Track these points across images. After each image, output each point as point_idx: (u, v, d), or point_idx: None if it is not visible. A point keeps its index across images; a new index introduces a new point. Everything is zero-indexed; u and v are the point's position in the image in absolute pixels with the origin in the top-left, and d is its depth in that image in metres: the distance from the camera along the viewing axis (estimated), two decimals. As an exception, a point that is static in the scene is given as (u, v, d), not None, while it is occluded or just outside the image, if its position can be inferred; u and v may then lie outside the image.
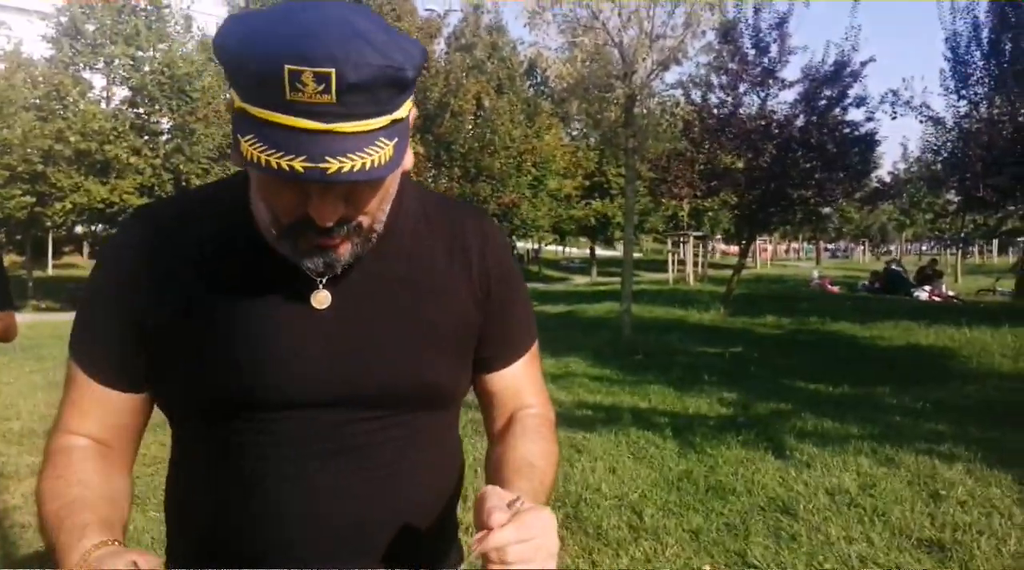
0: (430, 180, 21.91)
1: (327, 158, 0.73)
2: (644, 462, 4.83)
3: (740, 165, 14.84)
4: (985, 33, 17.42)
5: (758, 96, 14.94)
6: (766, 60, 14.71)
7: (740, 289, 16.19)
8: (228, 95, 1.00)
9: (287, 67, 0.71)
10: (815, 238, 48.58)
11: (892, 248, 56.33)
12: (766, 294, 19.03)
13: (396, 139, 0.79)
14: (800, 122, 14.38)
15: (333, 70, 0.71)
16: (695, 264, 27.71)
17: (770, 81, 14.84)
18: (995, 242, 45.51)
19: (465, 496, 1.28)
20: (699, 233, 30.05)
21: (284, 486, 0.92)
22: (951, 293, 18.81)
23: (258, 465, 0.93)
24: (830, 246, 65.28)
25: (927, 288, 18.89)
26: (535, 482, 0.96)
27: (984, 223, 28.34)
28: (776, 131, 14.43)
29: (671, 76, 23.97)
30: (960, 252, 31.88)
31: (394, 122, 0.78)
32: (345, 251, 0.87)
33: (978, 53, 17.89)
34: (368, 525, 0.95)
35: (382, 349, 0.95)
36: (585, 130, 24.68)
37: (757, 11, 14.55)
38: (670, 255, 28.36)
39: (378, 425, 0.95)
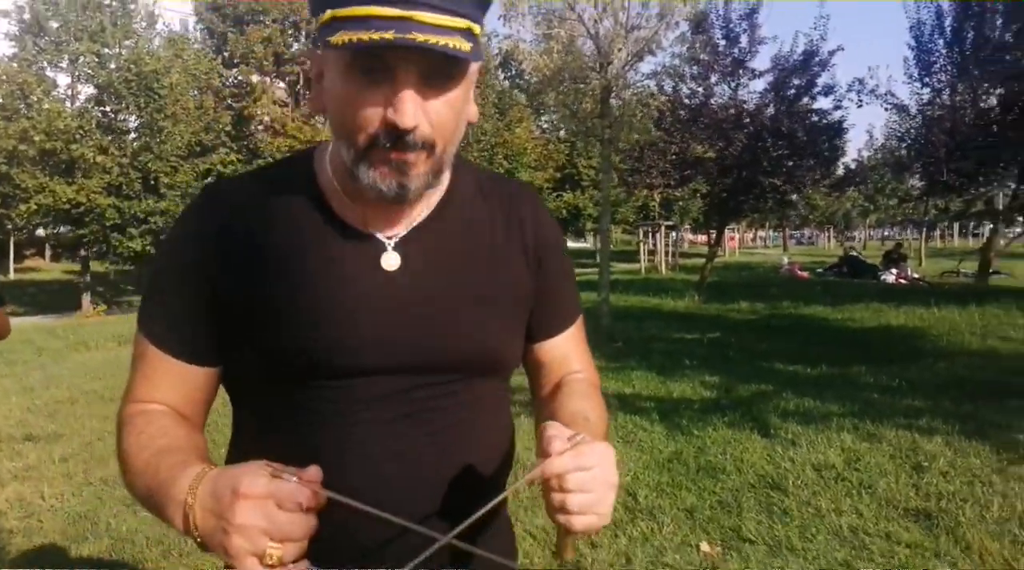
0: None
1: (414, 32, 0.79)
2: (634, 445, 4.92)
3: (712, 154, 15.01)
4: (948, 22, 17.76)
5: (729, 86, 15.14)
6: (736, 50, 14.90)
7: (712, 277, 16.39)
8: (311, 36, 1.03)
9: None
10: (781, 226, 49.15)
11: (856, 234, 57.27)
12: (737, 281, 19.31)
13: (472, 46, 0.84)
14: (770, 111, 14.59)
15: None
16: (667, 253, 27.96)
17: (740, 71, 15.04)
18: (956, 226, 46.48)
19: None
20: (670, 223, 30.31)
21: (355, 450, 0.94)
22: (916, 275, 19.24)
23: (330, 430, 0.95)
24: (795, 233, 66.09)
25: (894, 271, 19.30)
26: (591, 431, 0.98)
27: (946, 208, 28.98)
28: (747, 120, 14.64)
29: (646, 67, 24.08)
30: (923, 236, 32.57)
31: (471, 31, 0.84)
32: (416, 173, 0.89)
33: (941, 41, 18.23)
34: (431, 488, 0.97)
35: (448, 315, 0.98)
36: (559, 122, 24.73)
37: (727, 2, 14.74)
38: (641, 245, 28.57)
39: (443, 390, 0.98)
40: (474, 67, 0.92)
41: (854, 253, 24.13)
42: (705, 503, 3.91)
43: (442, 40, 0.80)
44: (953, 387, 6.40)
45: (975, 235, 48.67)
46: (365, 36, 0.79)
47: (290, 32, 27.90)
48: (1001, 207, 17.22)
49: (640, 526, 3.63)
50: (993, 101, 16.00)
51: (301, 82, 29.92)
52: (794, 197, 16.94)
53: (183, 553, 3.48)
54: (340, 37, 0.81)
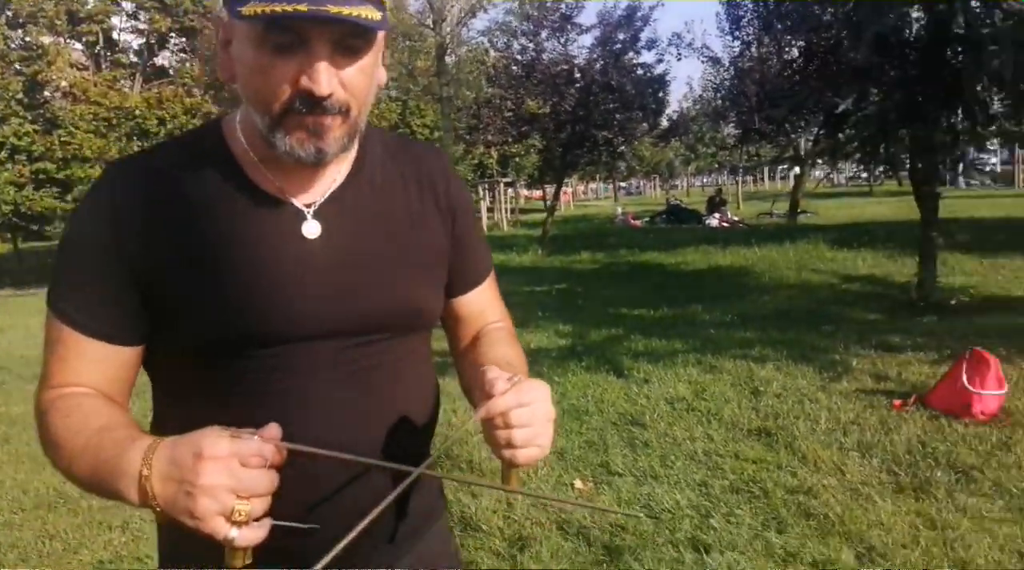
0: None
1: (327, 3, 0.80)
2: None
3: (546, 110, 15.35)
4: (753, -23, 18.92)
5: (559, 41, 15.47)
6: (563, 6, 15.23)
7: (553, 230, 16.90)
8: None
9: None
10: (611, 177, 51.09)
11: (678, 182, 60.67)
12: (576, 233, 19.99)
13: (382, 14, 0.85)
14: (599, 65, 15.08)
15: None
16: (507, 210, 28.40)
17: (568, 26, 15.41)
18: (767, 170, 50.35)
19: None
20: (508, 179, 30.75)
21: (290, 416, 0.93)
22: (736, 218, 20.76)
23: (265, 399, 0.95)
24: (623, 184, 68.86)
25: (716, 215, 20.71)
26: (518, 373, 1.03)
27: (757, 154, 31.31)
28: (578, 75, 15.07)
29: (480, 23, 24.05)
30: (739, 181, 35.09)
31: (381, 3, 0.86)
32: (332, 138, 0.90)
33: (748, -3, 19.46)
34: (370, 445, 0.99)
35: (371, 277, 1.00)
36: (394, 81, 24.24)
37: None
38: (481, 202, 28.84)
39: (372, 350, 1.01)
40: (383, 34, 0.93)
41: (676, 201, 25.65)
42: (574, 444, 4.11)
43: (355, 11, 0.81)
44: (778, 318, 7.06)
45: (783, 178, 53.00)
46: (279, 8, 0.79)
47: (85, -13, 25.37)
48: (796, 152, 18.83)
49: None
50: (796, 52, 17.38)
51: (101, 42, 27.40)
52: (624, 149, 17.69)
53: (42, 554, 3.26)
54: (251, 8, 0.80)
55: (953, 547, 2.80)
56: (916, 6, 7.15)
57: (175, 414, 1.01)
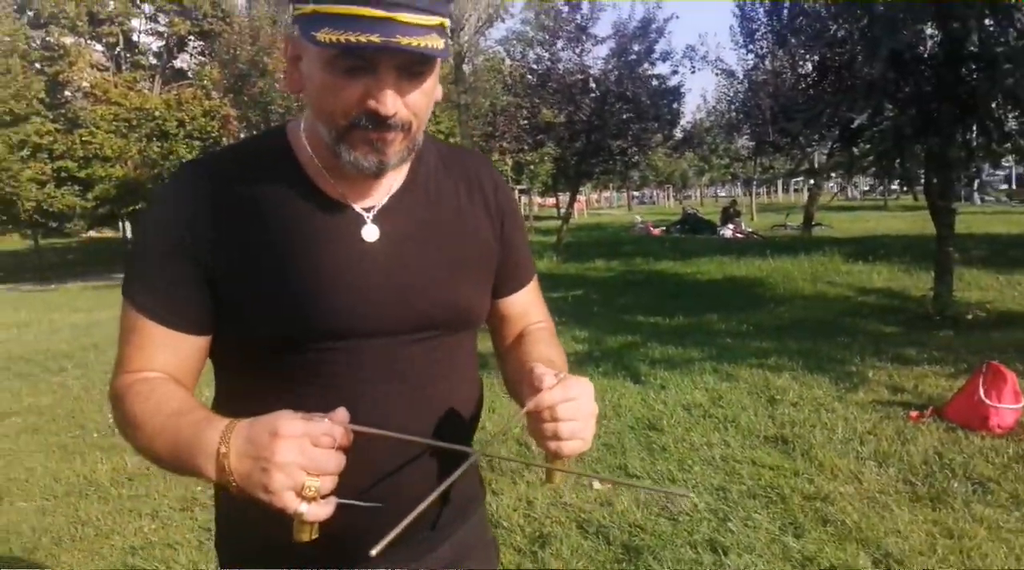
0: (249, 143, 20.81)
1: (397, 35, 0.87)
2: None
3: (561, 119, 15.44)
4: (768, -9, 18.99)
5: (574, 51, 15.58)
6: (579, 16, 15.32)
7: (567, 238, 16.97)
8: (287, 21, 1.06)
9: None
10: (624, 186, 51.11)
11: (691, 193, 60.64)
12: (590, 241, 20.06)
13: (444, 41, 0.92)
14: (614, 76, 15.17)
15: None
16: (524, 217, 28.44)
17: (584, 36, 15.50)
18: (780, 182, 50.28)
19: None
20: (522, 187, 30.87)
21: (351, 407, 0.97)
22: (750, 230, 20.76)
23: (323, 392, 1.01)
24: (636, 193, 68.85)
25: (730, 226, 20.72)
26: (560, 370, 1.09)
27: (770, 167, 31.28)
28: (593, 85, 15.16)
29: (497, 33, 24.22)
30: (752, 193, 35.06)
31: (442, 26, 0.93)
32: (393, 152, 0.97)
33: (762, 10, 19.52)
34: (423, 436, 1.04)
35: (425, 279, 1.06)
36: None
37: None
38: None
39: (423, 348, 1.07)
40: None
41: (692, 211, 25.65)
42: (592, 446, 4.13)
43: (422, 42, 0.88)
44: (793, 328, 7.09)
45: (797, 191, 52.91)
46: (352, 38, 0.86)
47: (106, -12, 25.68)
48: (811, 165, 18.82)
49: (537, 471, 3.83)
50: (809, 67, 17.43)
51: (121, 43, 27.71)
52: (638, 158, 17.77)
53: (75, 538, 3.35)
54: (326, 35, 0.87)
55: (970, 556, 2.84)
56: (931, 23, 7.22)
57: (236, 401, 1.06)
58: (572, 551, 3.03)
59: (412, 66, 0.93)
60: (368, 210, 1.05)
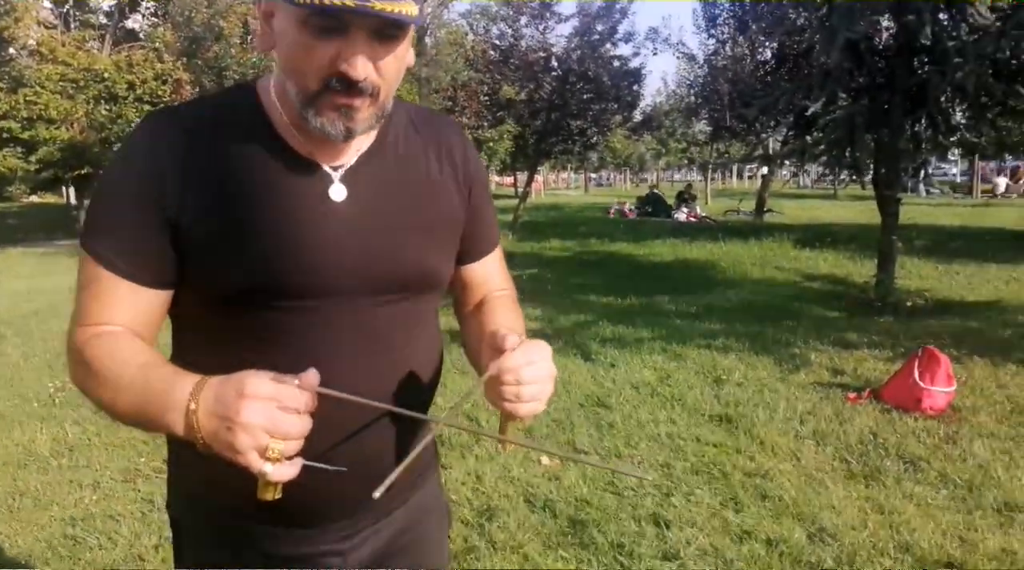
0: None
1: (372, 0, 0.86)
2: (469, 375, 5.14)
3: (523, 96, 15.39)
4: (731, -24, 19.12)
5: (537, 29, 15.51)
6: (542, -6, 15.26)
7: (524, 217, 16.99)
8: None
9: None
10: (582, 168, 51.30)
11: (648, 176, 61.13)
12: (547, 221, 20.12)
13: (418, 8, 0.92)
14: (576, 55, 15.15)
15: None
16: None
17: (547, 14, 15.44)
18: (734, 168, 50.92)
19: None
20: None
21: (307, 366, 0.97)
22: (704, 214, 21.04)
23: (283, 349, 1.01)
24: (594, 175, 69.16)
25: (685, 210, 20.97)
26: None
27: (726, 152, 31.66)
28: (555, 64, 15.13)
29: (460, 6, 23.93)
30: (708, 177, 35.47)
31: None
32: (362, 117, 0.97)
33: (724, -5, 19.66)
34: (384, 397, 1.06)
35: (391, 241, 1.06)
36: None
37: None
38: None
39: (389, 310, 1.07)
40: None
41: (657, 191, 25.72)
42: (541, 422, 4.22)
43: (396, 7, 0.87)
44: (741, 311, 7.25)
45: (751, 177, 53.68)
46: (327, 0, 0.85)
47: (55, -56, 24.64)
48: (766, 152, 19.14)
49: (485, 446, 3.87)
50: (768, 54, 17.65)
51: (71, 1, 26.69)
52: (597, 139, 17.83)
53: (12, 509, 3.28)
54: None
55: (899, 531, 2.96)
56: (887, 15, 7.37)
57: (195, 359, 1.03)
58: (519, 524, 3.07)
59: (385, 30, 0.92)
60: (336, 169, 1.04)
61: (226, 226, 0.99)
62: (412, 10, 0.90)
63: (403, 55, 0.98)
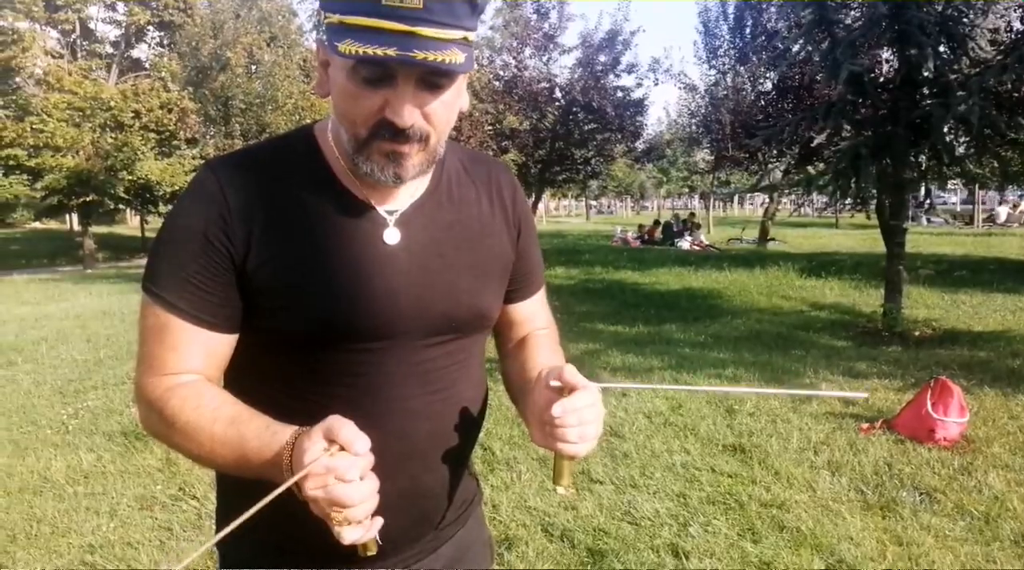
0: (208, 137, 20.48)
1: (414, 50, 0.89)
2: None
3: (526, 126, 15.55)
4: (731, 9, 19.47)
5: (541, 60, 15.73)
6: (547, 25, 15.47)
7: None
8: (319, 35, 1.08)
9: None
10: (583, 195, 51.60)
11: (648, 204, 61.46)
12: (550, 248, 20.17)
13: (465, 55, 0.94)
14: (580, 86, 15.35)
15: None
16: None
17: (551, 45, 15.66)
18: (735, 196, 51.22)
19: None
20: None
21: (368, 408, 1.03)
22: (708, 242, 21.11)
23: (339, 390, 1.04)
24: (594, 203, 69.55)
25: (688, 238, 21.04)
26: None
27: (727, 181, 31.86)
28: (558, 94, 15.31)
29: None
30: (709, 206, 35.63)
31: (465, 40, 0.95)
32: (411, 164, 0.99)
33: (725, 27, 20.00)
34: (436, 437, 1.10)
35: (444, 283, 1.09)
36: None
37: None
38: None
39: (442, 350, 1.10)
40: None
41: (670, 220, 25.54)
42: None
43: (440, 56, 0.90)
44: (750, 340, 7.26)
45: (751, 205, 53.92)
46: (370, 50, 0.88)
47: (63, -25, 24.97)
48: (771, 182, 19.30)
49: (500, 475, 3.87)
50: (769, 85, 17.90)
51: (78, 30, 27.02)
52: (601, 168, 17.99)
53: (30, 536, 3.28)
54: (347, 47, 0.89)
55: (918, 562, 2.96)
56: (889, 49, 7.50)
57: (249, 399, 1.05)
58: (537, 554, 3.07)
59: (431, 78, 0.94)
60: (391, 213, 1.06)
61: (287, 271, 1.01)
62: (458, 58, 0.92)
63: (452, 101, 1.00)
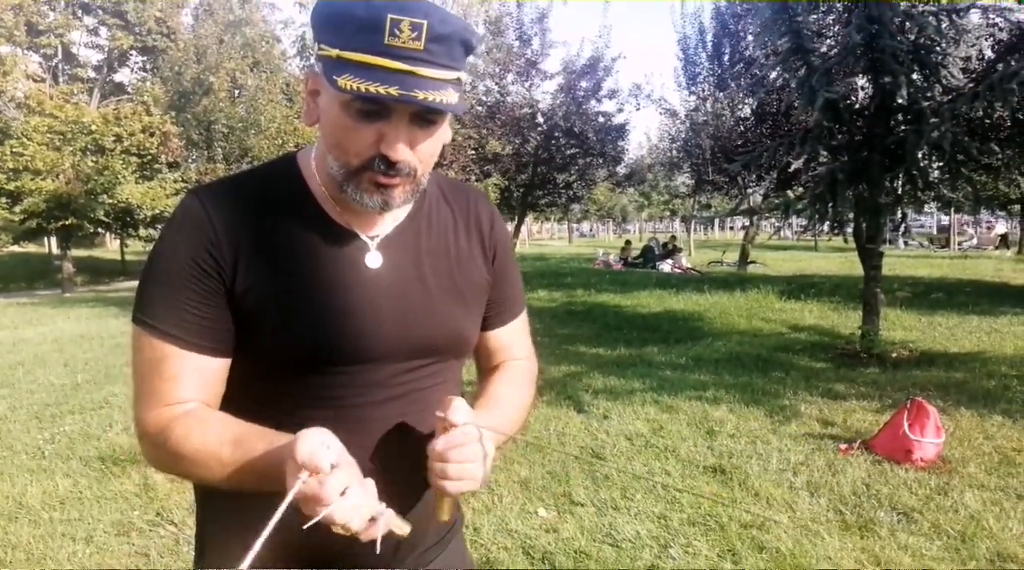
0: (191, 161, 20.42)
1: (415, 89, 0.92)
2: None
3: (509, 150, 15.66)
4: (709, 37, 19.80)
5: (523, 85, 15.89)
6: (530, 52, 15.66)
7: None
8: (311, 60, 1.11)
9: (390, 16, 0.91)
10: (565, 218, 51.87)
11: (630, 227, 61.89)
12: (533, 272, 20.23)
13: (458, 95, 0.99)
14: (562, 112, 15.51)
15: (425, 21, 0.92)
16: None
17: (533, 71, 15.83)
18: (716, 220, 51.70)
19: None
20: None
21: (351, 430, 1.03)
22: (688, 265, 21.26)
23: (329, 413, 1.05)
24: (577, 226, 69.95)
25: (669, 261, 21.18)
26: (495, 419, 1.14)
27: (708, 205, 32.17)
28: (541, 120, 15.46)
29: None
30: (690, 229, 35.99)
31: (458, 80, 0.99)
32: (398, 194, 1.03)
33: (704, 54, 20.31)
34: (416, 461, 1.09)
35: (425, 307, 1.12)
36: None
37: (520, 4, 15.44)
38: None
39: (422, 373, 1.13)
40: None
41: (652, 243, 25.62)
42: (536, 474, 4.22)
43: (437, 96, 0.94)
44: (730, 362, 7.31)
45: (731, 229, 54.40)
46: (372, 88, 0.91)
47: (43, -1, 24.98)
48: (750, 206, 19.52)
49: (482, 498, 3.87)
50: (748, 111, 18.18)
51: (60, 55, 26.98)
52: (583, 193, 18.13)
53: (4, 563, 3.23)
54: (348, 82, 0.92)
55: (895, 581, 2.99)
56: (864, 76, 7.65)
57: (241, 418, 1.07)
58: (518, 577, 3.06)
59: (425, 115, 0.98)
60: (372, 238, 1.09)
61: (273, 297, 1.03)
62: (452, 98, 0.96)
63: (441, 137, 1.04)
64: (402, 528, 0.92)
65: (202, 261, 1.02)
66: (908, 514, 3.61)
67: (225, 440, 0.97)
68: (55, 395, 6.49)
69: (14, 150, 19.29)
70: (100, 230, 24.48)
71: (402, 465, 1.09)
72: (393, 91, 0.91)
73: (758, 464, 4.31)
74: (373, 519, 0.89)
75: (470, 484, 0.99)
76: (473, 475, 0.99)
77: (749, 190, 17.53)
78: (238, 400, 1.09)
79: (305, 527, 0.84)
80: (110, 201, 20.27)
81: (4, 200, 19.81)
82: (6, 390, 6.74)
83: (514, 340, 1.32)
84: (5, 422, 5.60)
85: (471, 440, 0.98)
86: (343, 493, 0.85)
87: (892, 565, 3.11)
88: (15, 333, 10.91)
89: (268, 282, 1.03)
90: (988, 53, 8.10)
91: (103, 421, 5.47)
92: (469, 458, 0.98)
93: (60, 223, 20.09)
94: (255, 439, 0.96)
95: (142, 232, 22.97)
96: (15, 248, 33.64)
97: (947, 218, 34.11)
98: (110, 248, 35.23)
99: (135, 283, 1.08)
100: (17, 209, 19.63)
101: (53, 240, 25.78)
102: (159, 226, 20.97)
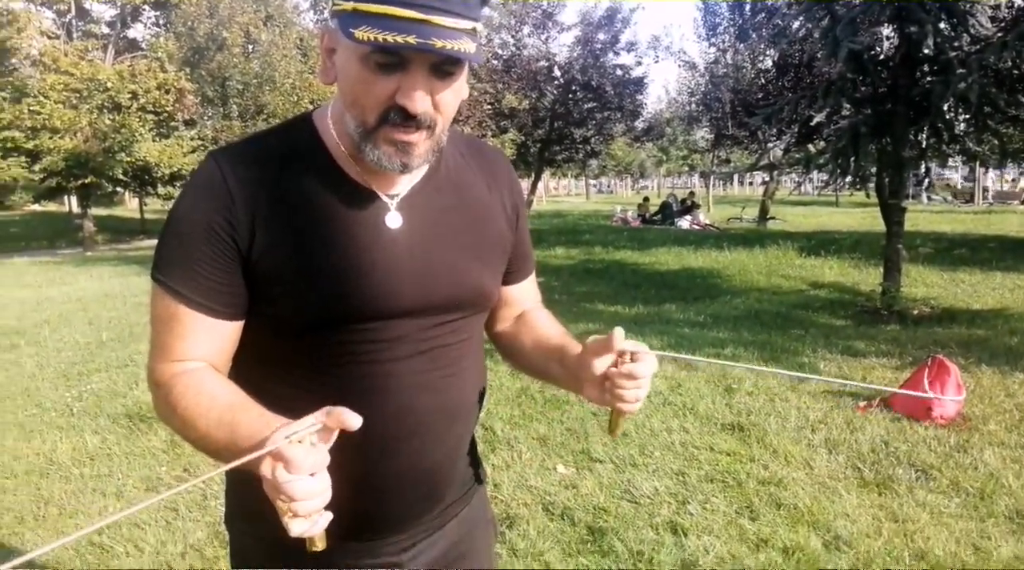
0: (206, 119, 20.39)
1: (432, 38, 0.91)
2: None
3: (526, 105, 15.48)
4: (731, -15, 19.30)
5: (540, 38, 15.63)
6: (545, 3, 15.36)
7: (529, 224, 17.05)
8: (326, 18, 1.09)
9: None
10: (583, 174, 51.46)
11: (648, 183, 61.34)
12: (550, 229, 20.16)
13: (475, 45, 0.97)
14: (579, 65, 15.27)
15: None
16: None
17: (549, 23, 15.55)
18: (736, 176, 51.07)
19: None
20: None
21: (378, 386, 1.07)
22: (707, 222, 21.09)
23: (356, 370, 1.06)
24: (594, 182, 69.41)
25: (688, 218, 21.01)
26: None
27: (727, 159, 31.76)
28: (558, 73, 15.23)
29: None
30: (709, 185, 35.59)
31: (474, 31, 0.97)
32: (418, 153, 1.02)
33: (724, 4, 19.85)
34: (443, 414, 1.13)
35: (448, 263, 1.12)
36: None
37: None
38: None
39: (446, 329, 1.13)
40: None
41: (671, 199, 25.38)
42: (555, 431, 4.27)
43: (455, 45, 0.92)
44: (749, 319, 7.29)
45: (751, 184, 53.79)
46: (390, 38, 0.90)
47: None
48: (771, 160, 19.26)
49: (502, 455, 3.92)
50: (769, 63, 17.81)
51: (73, 11, 26.82)
52: (601, 147, 17.95)
53: (38, 518, 3.33)
54: (364, 33, 0.90)
55: (913, 539, 3.00)
56: (889, 26, 7.46)
57: (258, 382, 1.08)
58: (538, 532, 3.11)
59: (443, 66, 0.96)
60: (392, 198, 1.09)
61: (292, 258, 1.03)
62: (470, 47, 0.94)
63: (459, 89, 1.02)
64: (322, 540, 0.88)
65: (217, 225, 1.02)
66: (927, 471, 3.62)
67: (216, 404, 0.98)
68: (81, 353, 6.60)
69: (31, 108, 19.28)
70: (119, 189, 24.59)
71: (429, 420, 1.10)
72: (412, 39, 0.89)
73: (776, 422, 4.33)
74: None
75: (640, 405, 1.09)
76: (643, 399, 1.08)
77: (769, 144, 17.28)
78: (257, 364, 1.10)
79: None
80: (128, 159, 20.29)
81: (23, 159, 19.89)
82: (33, 348, 6.86)
83: (530, 293, 1.36)
84: (34, 380, 5.72)
85: (655, 369, 1.07)
86: (314, 474, 0.83)
87: (910, 522, 3.13)
88: (39, 292, 11.07)
89: (286, 244, 1.03)
90: (1018, 1, 7.86)
91: (129, 379, 5.57)
92: (646, 384, 1.06)
93: (79, 182, 20.17)
94: (245, 409, 0.96)
95: (160, 190, 23.00)
96: (36, 207, 33.97)
97: (969, 171, 33.50)
98: (129, 206, 35.42)
99: (155, 241, 1.09)
100: (36, 168, 19.73)
101: (73, 199, 25.94)
102: (178, 184, 21.04)
